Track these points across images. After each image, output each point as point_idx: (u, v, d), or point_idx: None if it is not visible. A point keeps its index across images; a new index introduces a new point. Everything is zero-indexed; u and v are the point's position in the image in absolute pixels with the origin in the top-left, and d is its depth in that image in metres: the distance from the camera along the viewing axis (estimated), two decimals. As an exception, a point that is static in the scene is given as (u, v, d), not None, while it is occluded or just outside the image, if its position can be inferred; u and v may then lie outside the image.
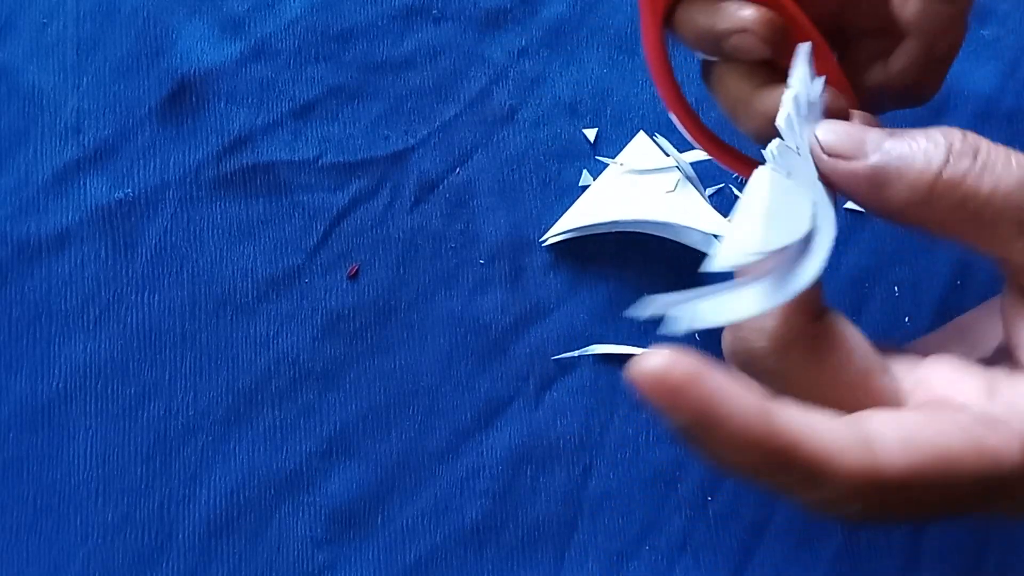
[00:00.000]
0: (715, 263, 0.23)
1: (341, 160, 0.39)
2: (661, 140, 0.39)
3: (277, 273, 0.38)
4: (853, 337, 0.24)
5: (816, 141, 0.24)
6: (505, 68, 0.40)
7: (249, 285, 0.38)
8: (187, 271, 0.38)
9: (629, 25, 0.41)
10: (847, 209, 0.39)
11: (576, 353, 0.38)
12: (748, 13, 0.26)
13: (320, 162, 0.39)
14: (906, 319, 0.39)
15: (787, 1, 0.27)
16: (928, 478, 0.21)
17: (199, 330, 0.38)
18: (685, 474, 0.38)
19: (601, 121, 0.40)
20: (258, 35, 0.40)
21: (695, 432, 0.20)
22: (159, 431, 0.37)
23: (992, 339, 0.26)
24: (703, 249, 0.38)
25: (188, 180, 0.39)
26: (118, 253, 0.38)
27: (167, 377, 0.37)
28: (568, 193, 0.39)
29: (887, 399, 0.23)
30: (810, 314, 0.23)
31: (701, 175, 0.39)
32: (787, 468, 0.20)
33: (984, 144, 0.23)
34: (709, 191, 0.39)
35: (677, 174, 0.38)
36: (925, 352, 0.25)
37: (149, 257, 0.38)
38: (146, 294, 0.38)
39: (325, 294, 0.38)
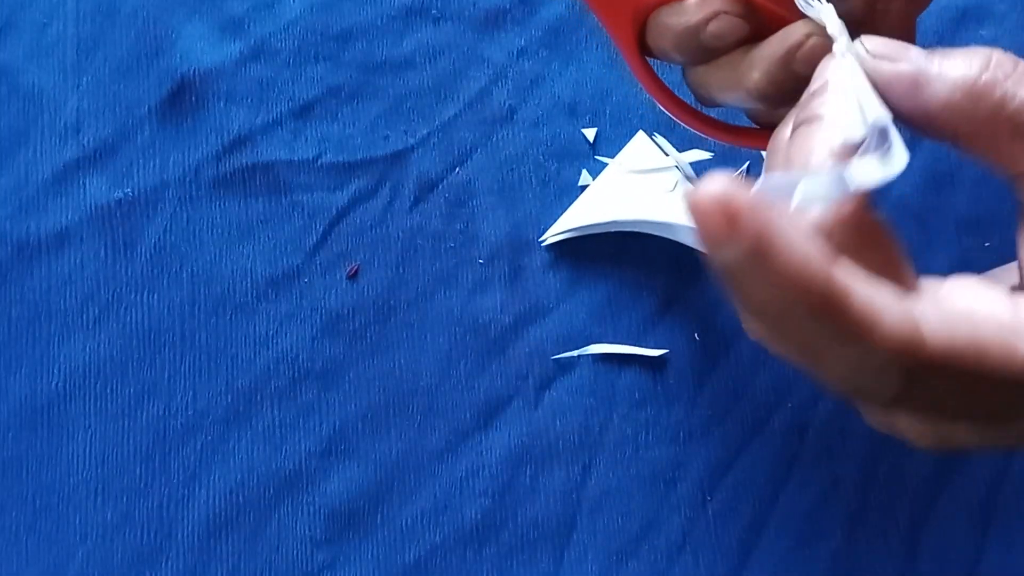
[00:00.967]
0: (824, 144, 0.23)
1: (341, 160, 0.39)
2: (660, 140, 0.39)
3: (276, 273, 0.38)
4: (894, 240, 0.24)
5: (860, 47, 0.25)
6: (505, 68, 0.40)
7: (248, 285, 0.38)
8: (186, 271, 0.38)
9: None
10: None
11: (575, 353, 0.38)
12: None
13: (319, 162, 0.39)
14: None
15: None
16: (962, 365, 0.21)
17: (198, 330, 0.38)
18: (684, 473, 0.38)
19: (600, 121, 0.40)
20: (258, 35, 0.40)
21: (748, 263, 0.19)
22: (158, 431, 0.37)
23: (1009, 282, 0.26)
24: (702, 248, 0.38)
25: (188, 180, 0.39)
26: (118, 253, 0.38)
27: (166, 377, 0.37)
28: (567, 193, 0.39)
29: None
30: (864, 204, 0.23)
31: (701, 175, 0.39)
32: (832, 316, 0.20)
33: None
34: (708, 191, 0.39)
35: (677, 174, 0.38)
36: None
37: (148, 257, 0.38)
38: (145, 294, 0.38)
39: (324, 294, 0.38)
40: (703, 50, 0.28)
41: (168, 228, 0.38)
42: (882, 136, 0.24)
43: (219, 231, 0.38)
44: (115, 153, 0.39)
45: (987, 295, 0.24)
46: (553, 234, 0.39)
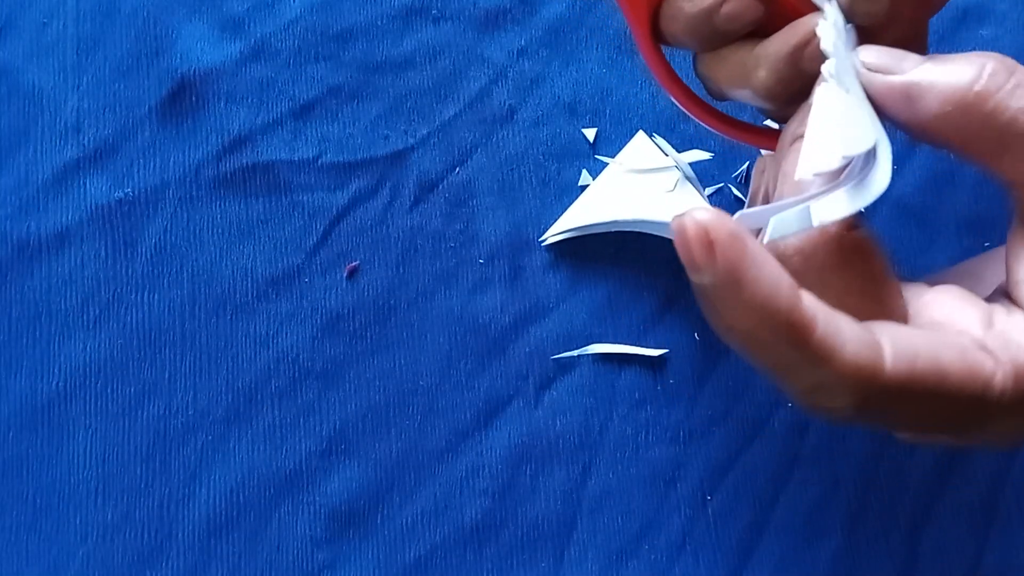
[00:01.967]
0: (799, 172, 0.24)
1: (341, 160, 0.39)
2: (660, 140, 0.39)
3: (277, 273, 0.38)
4: (878, 254, 0.25)
5: (857, 59, 0.25)
6: (505, 68, 0.40)
7: (249, 284, 0.38)
8: (187, 271, 0.38)
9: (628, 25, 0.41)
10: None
11: (575, 352, 0.38)
12: None
13: (320, 162, 0.39)
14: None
15: None
16: (922, 389, 0.22)
17: (199, 329, 0.38)
18: (684, 473, 0.38)
19: (601, 121, 0.40)
20: (258, 35, 0.40)
21: (721, 289, 0.21)
22: (159, 430, 0.37)
23: (995, 280, 0.27)
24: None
25: (188, 180, 0.39)
26: (118, 252, 0.38)
27: (167, 376, 0.37)
28: (567, 193, 0.39)
29: (897, 315, 0.25)
30: (847, 223, 0.24)
31: (700, 175, 0.39)
32: (795, 344, 0.21)
33: (1021, 68, 0.24)
34: (708, 191, 0.39)
35: (676, 174, 0.38)
36: (931, 285, 0.26)
37: (149, 256, 0.38)
38: (146, 293, 0.38)
39: (325, 294, 0.38)
40: (717, 34, 0.28)
41: (168, 228, 0.38)
42: (868, 157, 0.24)
43: (219, 231, 0.38)
44: (115, 153, 0.39)
45: (963, 311, 0.25)
46: (553, 234, 0.39)
